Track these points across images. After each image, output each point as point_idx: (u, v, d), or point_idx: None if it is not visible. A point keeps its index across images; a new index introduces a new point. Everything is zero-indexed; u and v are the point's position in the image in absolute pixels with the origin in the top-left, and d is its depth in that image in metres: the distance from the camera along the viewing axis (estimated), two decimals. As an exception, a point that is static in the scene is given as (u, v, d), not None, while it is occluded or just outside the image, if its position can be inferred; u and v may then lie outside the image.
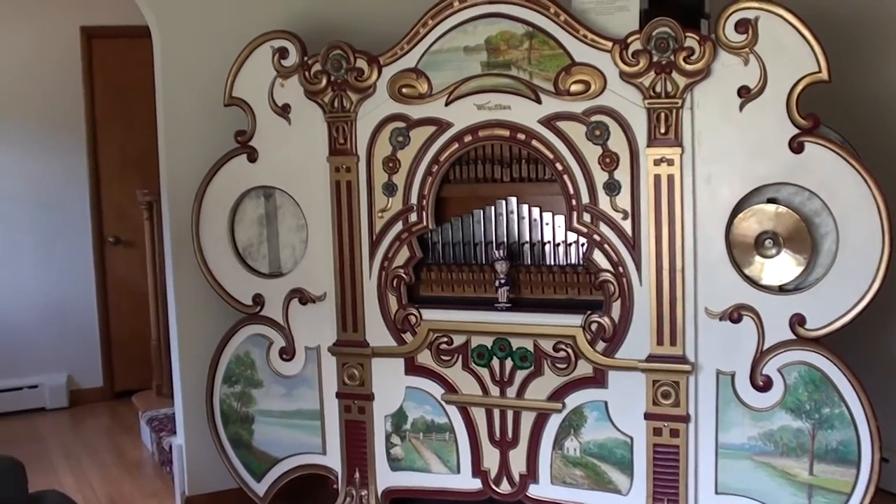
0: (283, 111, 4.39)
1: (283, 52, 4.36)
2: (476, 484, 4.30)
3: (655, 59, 3.81)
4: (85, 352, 7.16)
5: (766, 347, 3.82)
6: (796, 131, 3.70)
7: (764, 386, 3.84)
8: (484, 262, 4.30)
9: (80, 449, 6.06)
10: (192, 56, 4.72)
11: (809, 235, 3.78)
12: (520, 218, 4.24)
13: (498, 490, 4.27)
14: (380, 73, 4.21)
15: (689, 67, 3.78)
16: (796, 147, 3.70)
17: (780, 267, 3.84)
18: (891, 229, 3.64)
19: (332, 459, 4.51)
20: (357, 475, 4.45)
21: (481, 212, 4.28)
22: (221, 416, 4.66)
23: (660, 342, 3.94)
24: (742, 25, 3.73)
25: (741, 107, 3.77)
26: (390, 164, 4.24)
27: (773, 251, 3.83)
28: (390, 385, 4.39)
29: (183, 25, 4.71)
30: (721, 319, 3.87)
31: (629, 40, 3.85)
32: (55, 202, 7.08)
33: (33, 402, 7.02)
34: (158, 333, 5.98)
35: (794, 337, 3.79)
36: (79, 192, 7.15)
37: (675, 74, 3.80)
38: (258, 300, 4.53)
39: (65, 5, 7.03)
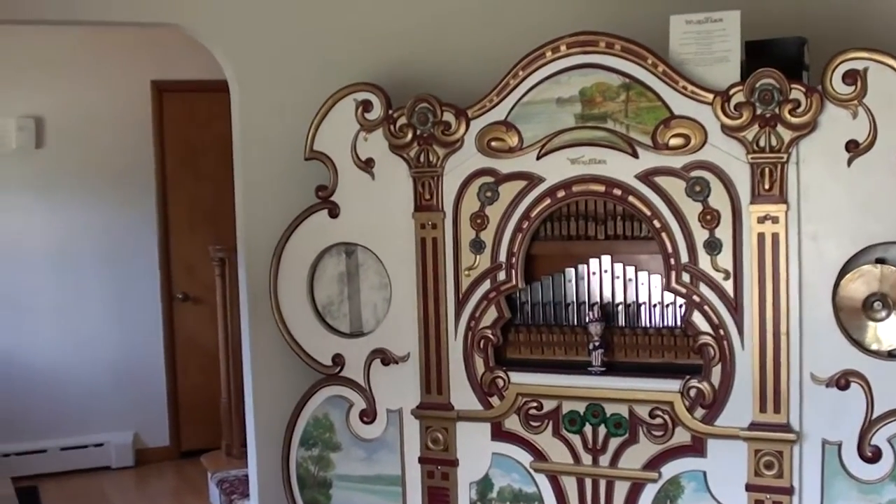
0: (367, 165, 4.27)
1: (366, 105, 4.24)
2: (566, 557, 4.13)
3: (759, 111, 3.65)
4: (152, 410, 7.10)
5: (875, 416, 3.61)
6: (910, 188, 3.53)
7: (873, 457, 3.63)
8: (575, 323, 4.12)
9: (146, 510, 5.97)
10: (271, 109, 4.60)
11: (922, 298, 3.61)
12: (614, 277, 4.06)
13: (589, 564, 4.08)
14: (467, 126, 4.07)
15: (794, 120, 3.62)
16: (910, 203, 3.53)
17: (891, 331, 3.65)
18: None
19: (415, 527, 4.35)
20: (441, 544, 4.29)
21: (573, 270, 4.10)
22: (298, 481, 4.50)
23: (762, 409, 3.74)
24: (850, 76, 3.56)
25: (849, 162, 3.59)
26: (478, 221, 4.09)
27: (883, 314, 3.64)
28: (476, 451, 4.20)
29: (262, 78, 4.60)
30: (828, 386, 3.67)
31: (731, 92, 3.69)
32: (124, 258, 7.08)
33: (99, 460, 6.95)
34: (229, 392, 5.86)
35: (906, 405, 3.60)
36: (148, 248, 7.13)
37: (779, 128, 3.64)
38: (338, 360, 4.38)
39: (136, 60, 7.07)
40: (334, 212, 4.35)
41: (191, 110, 7.04)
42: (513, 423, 4.12)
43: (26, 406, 6.94)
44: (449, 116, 4.10)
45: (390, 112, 4.20)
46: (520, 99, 4.00)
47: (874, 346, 3.65)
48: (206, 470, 6.09)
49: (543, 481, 4.11)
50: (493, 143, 4.05)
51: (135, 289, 7.13)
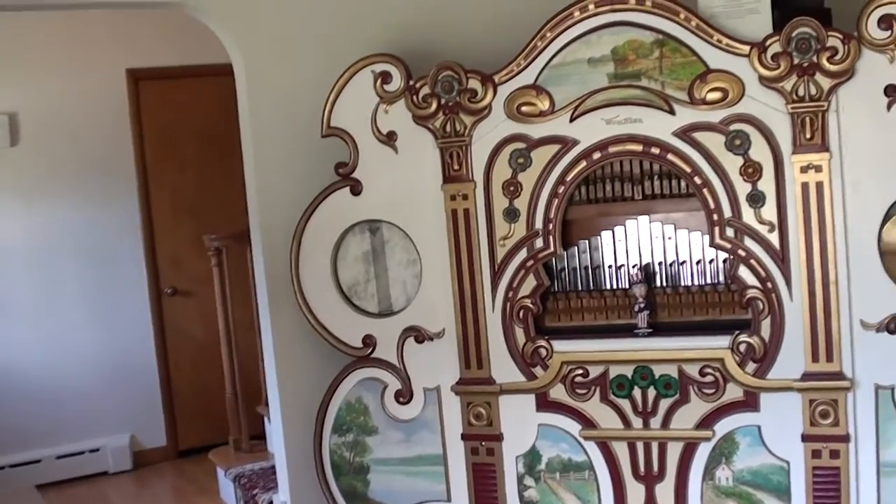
0: (389, 139, 4.17)
1: (385, 77, 4.13)
2: (620, 522, 4.08)
3: (797, 61, 3.62)
4: (147, 410, 6.95)
5: (928, 358, 3.64)
6: (949, 130, 3.53)
7: (927, 398, 3.66)
8: (615, 287, 4.07)
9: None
10: (281, 88, 4.47)
11: (965, 238, 3.62)
12: (652, 237, 4.02)
13: (644, 528, 4.05)
14: (495, 92, 3.99)
15: (833, 68, 3.60)
16: (951, 145, 3.54)
17: (937, 272, 3.66)
18: None
19: (459, 506, 4.28)
20: (488, 520, 4.22)
21: (610, 233, 4.05)
22: (333, 469, 4.40)
23: (815, 359, 3.73)
24: (885, 21, 3.55)
25: (889, 106, 3.58)
26: (511, 188, 4.01)
27: (929, 256, 3.66)
28: (521, 423, 4.13)
29: (269, 56, 4.48)
30: (878, 331, 3.67)
31: (768, 43, 3.65)
32: (108, 254, 6.92)
33: (96, 466, 6.77)
34: (234, 386, 5.73)
35: (957, 345, 3.61)
36: (132, 243, 6.99)
37: (818, 76, 3.62)
38: (368, 341, 4.28)
39: (110, 49, 6.90)
40: (356, 189, 4.24)
41: (168, 98, 6.85)
42: (558, 393, 4.06)
43: (16, 414, 6.70)
44: (475, 83, 4.01)
45: (411, 82, 4.10)
46: (549, 61, 3.92)
47: (922, 288, 3.66)
48: (212, 467, 5.94)
49: (593, 448, 4.06)
50: (524, 108, 3.97)
51: (121, 286, 6.94)
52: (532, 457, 4.15)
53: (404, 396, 4.28)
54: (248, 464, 5.56)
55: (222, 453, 5.87)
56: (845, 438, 3.74)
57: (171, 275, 7.07)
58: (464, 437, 4.21)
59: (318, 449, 4.41)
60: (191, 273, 6.80)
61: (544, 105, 3.95)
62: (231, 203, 6.25)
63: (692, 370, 3.89)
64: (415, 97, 4.10)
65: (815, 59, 3.61)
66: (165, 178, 7.05)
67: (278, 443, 4.68)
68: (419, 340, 4.23)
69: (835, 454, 3.75)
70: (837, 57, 3.59)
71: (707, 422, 3.90)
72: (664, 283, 4.02)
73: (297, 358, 4.55)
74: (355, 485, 4.39)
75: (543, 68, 3.94)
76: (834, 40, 3.59)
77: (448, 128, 4.07)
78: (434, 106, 4.07)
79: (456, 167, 4.09)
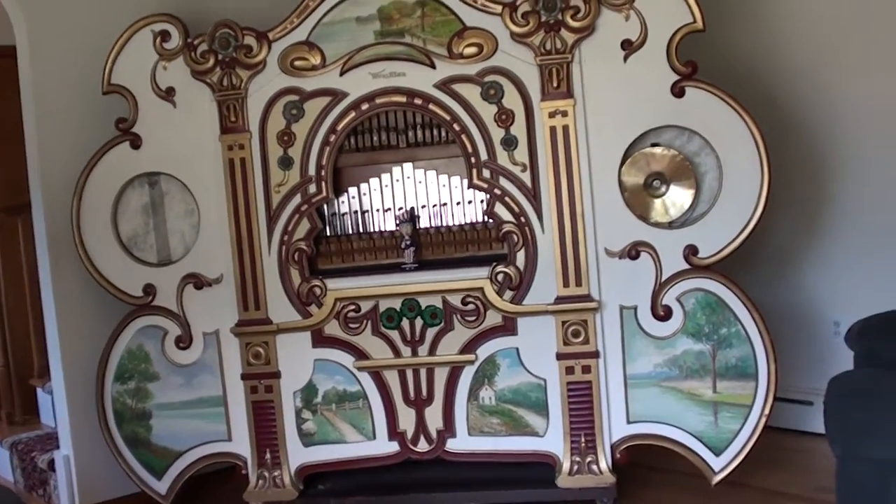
0: (168, 94, 4.38)
1: (164, 35, 4.36)
2: (393, 447, 4.37)
3: (544, 18, 4.07)
4: None
5: (664, 279, 4.12)
6: (677, 77, 4.03)
7: (665, 315, 4.14)
8: (384, 229, 4.41)
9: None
10: (62, 49, 4.60)
11: (692, 173, 4.12)
12: (416, 182, 4.38)
13: (416, 449, 4.36)
14: (269, 48, 4.28)
15: (575, 24, 4.06)
16: (678, 92, 4.05)
17: (669, 204, 4.15)
18: (769, 162, 4.01)
19: (240, 445, 4.47)
20: (268, 456, 4.42)
21: (378, 179, 4.39)
22: (115, 416, 4.53)
23: (566, 284, 4.17)
24: (622, -16, 4.06)
25: (625, 58, 4.08)
26: (285, 138, 4.30)
27: (662, 190, 4.14)
28: (298, 360, 4.41)
29: (51, 18, 4.59)
30: (620, 258, 4.14)
31: (518, 3, 4.10)
32: None
33: None
34: (6, 358, 5.72)
35: (688, 266, 4.10)
36: None
37: (563, 32, 4.08)
38: (149, 290, 4.45)
39: None
40: (136, 143, 4.42)
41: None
42: (333, 329, 4.35)
43: None
44: (250, 40, 4.28)
45: (189, 40, 4.33)
46: (320, 19, 4.25)
47: (656, 219, 4.15)
48: None
49: (367, 379, 4.37)
50: (297, 63, 4.27)
51: None
52: (309, 391, 4.41)
53: (184, 342, 4.47)
54: (23, 433, 5.56)
55: (-7, 428, 5.84)
56: (595, 354, 4.19)
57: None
58: (243, 377, 4.43)
59: (101, 398, 4.53)
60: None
61: (316, 60, 4.26)
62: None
63: (455, 300, 4.26)
64: (193, 53, 4.33)
65: (559, 16, 4.06)
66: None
67: (59, 396, 4.73)
68: (198, 287, 4.44)
69: (586, 369, 4.19)
70: (580, 15, 4.06)
71: (470, 347, 4.27)
72: (429, 225, 4.38)
73: (79, 313, 4.67)
74: (138, 431, 4.53)
75: (315, 26, 4.26)
76: (576, 0, 4.06)
77: (225, 82, 4.31)
78: (212, 62, 4.31)
79: (233, 119, 4.33)
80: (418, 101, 4.21)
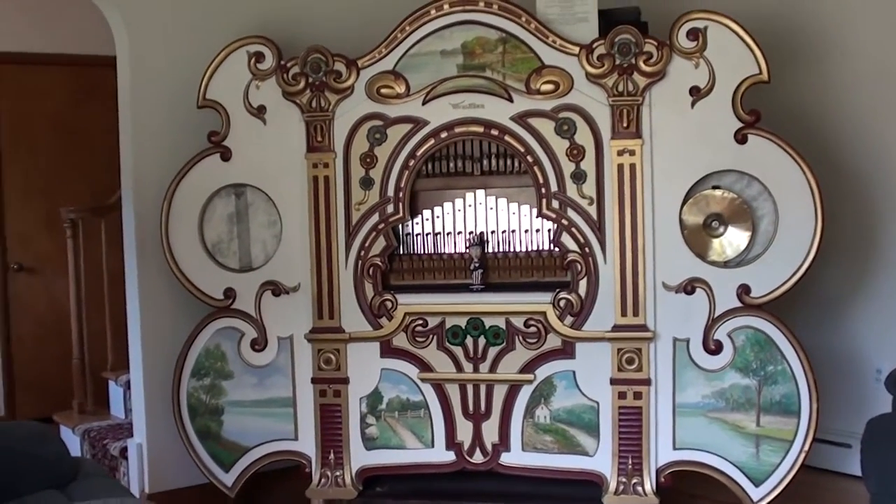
0: (259, 112, 4.66)
1: (258, 57, 4.63)
2: (450, 456, 4.62)
3: (618, 62, 4.31)
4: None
5: (716, 315, 4.33)
6: (741, 125, 4.26)
7: (715, 349, 4.35)
8: (454, 251, 4.66)
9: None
10: (160, 63, 4.93)
11: (750, 216, 4.34)
12: (488, 209, 4.63)
13: (471, 460, 4.60)
14: (358, 75, 4.55)
15: (647, 69, 4.30)
16: (741, 138, 4.27)
17: (726, 244, 4.36)
18: (823, 210, 4.22)
19: (305, 444, 4.72)
20: (332, 456, 4.68)
21: (452, 204, 4.65)
22: (189, 410, 4.80)
23: (623, 314, 4.40)
24: (693, 33, 4.28)
25: (693, 104, 4.31)
26: (368, 160, 4.57)
27: (720, 230, 4.36)
28: (366, 368, 4.66)
29: (151, 35, 4.91)
30: (677, 292, 4.37)
31: (594, 45, 4.34)
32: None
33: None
34: (82, 350, 6.01)
35: (741, 305, 4.32)
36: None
37: (635, 75, 4.32)
38: (229, 294, 4.73)
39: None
40: (226, 155, 4.70)
41: (23, 84, 7.05)
42: (400, 341, 4.61)
43: None
44: (340, 66, 4.55)
45: (282, 62, 4.61)
46: (407, 51, 4.52)
47: (713, 258, 4.37)
48: (59, 426, 6.11)
49: (429, 390, 4.62)
50: (382, 90, 4.54)
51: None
52: (374, 398, 4.67)
53: (259, 344, 4.73)
54: (94, 422, 5.84)
55: (67, 415, 6.11)
56: (647, 382, 4.41)
57: (18, 251, 7.23)
58: (314, 380, 4.69)
59: (177, 392, 4.80)
60: (38, 251, 7.00)
61: (401, 89, 4.52)
62: (80, 186, 6.72)
63: (518, 322, 4.50)
64: (285, 75, 4.60)
65: (633, 61, 4.30)
66: (18, 161, 7.19)
67: (137, 387, 5.04)
68: (276, 294, 4.70)
69: (638, 395, 4.42)
70: (652, 60, 4.29)
71: (529, 367, 4.51)
72: (497, 249, 4.62)
73: (161, 311, 4.96)
74: (210, 425, 4.80)
75: (402, 57, 4.53)
76: (650, 46, 4.30)
77: (314, 104, 4.59)
78: (302, 84, 4.58)
79: (319, 139, 4.61)
80: (495, 132, 4.47)
